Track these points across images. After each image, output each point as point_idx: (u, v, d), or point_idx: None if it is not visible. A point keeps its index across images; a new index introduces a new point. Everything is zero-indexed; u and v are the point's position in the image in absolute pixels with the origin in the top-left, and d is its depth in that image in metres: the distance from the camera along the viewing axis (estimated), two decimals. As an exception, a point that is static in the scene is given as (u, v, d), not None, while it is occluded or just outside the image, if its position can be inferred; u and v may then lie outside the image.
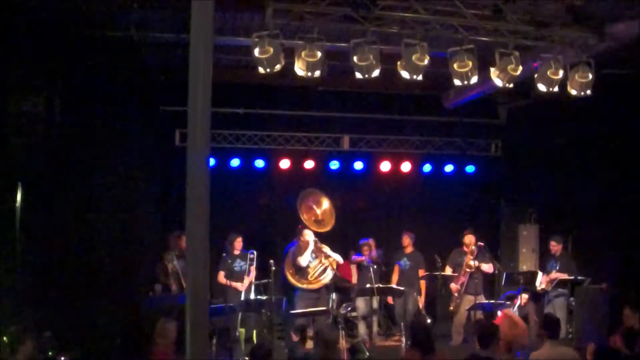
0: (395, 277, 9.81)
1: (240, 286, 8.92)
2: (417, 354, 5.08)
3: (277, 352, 8.21)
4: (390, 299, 9.82)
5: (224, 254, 9.01)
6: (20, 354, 5.33)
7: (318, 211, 9.65)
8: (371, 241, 9.71)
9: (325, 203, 9.72)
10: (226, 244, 9.11)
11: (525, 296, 9.16)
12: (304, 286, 8.99)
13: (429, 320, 9.78)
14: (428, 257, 9.79)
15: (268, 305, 8.48)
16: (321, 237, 9.35)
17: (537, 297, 9.54)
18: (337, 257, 9.12)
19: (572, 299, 9.00)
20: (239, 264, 9.06)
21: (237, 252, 9.10)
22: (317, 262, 9.06)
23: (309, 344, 7.74)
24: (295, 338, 7.83)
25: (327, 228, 9.53)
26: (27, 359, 5.36)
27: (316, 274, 9.04)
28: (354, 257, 9.81)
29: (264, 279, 8.93)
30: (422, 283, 9.81)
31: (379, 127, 11.14)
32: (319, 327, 8.52)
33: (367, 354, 6.93)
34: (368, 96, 10.50)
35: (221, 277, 8.96)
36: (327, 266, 9.04)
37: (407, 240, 9.85)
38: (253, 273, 9.01)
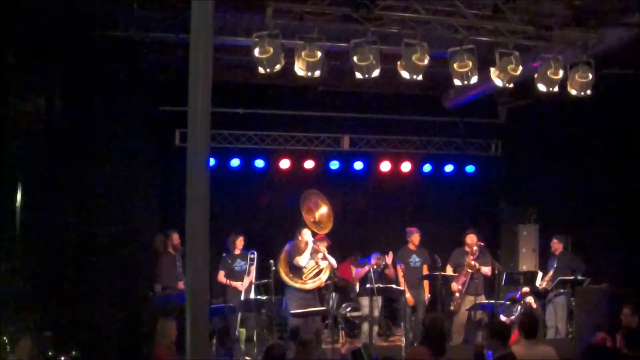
0: (401, 277, 9.70)
1: (240, 286, 8.92)
2: (427, 352, 5.02)
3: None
4: (410, 299, 9.65)
5: (224, 254, 9.01)
6: (16, 354, 5.32)
7: (316, 214, 9.65)
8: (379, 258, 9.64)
9: (324, 208, 9.70)
10: (228, 243, 9.13)
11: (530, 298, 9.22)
12: (297, 285, 8.95)
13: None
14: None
15: (268, 305, 8.48)
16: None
17: (539, 296, 9.55)
18: (332, 261, 9.07)
19: (572, 299, 9.00)
20: (239, 264, 9.07)
21: (237, 252, 9.11)
22: (313, 263, 9.04)
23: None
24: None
25: (325, 231, 9.52)
26: (24, 358, 5.35)
27: (310, 275, 9.02)
28: (358, 271, 9.75)
29: (264, 279, 8.94)
30: (425, 282, 9.81)
31: (379, 127, 11.14)
32: (313, 329, 8.54)
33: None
34: (368, 96, 10.49)
35: (221, 276, 8.97)
36: (322, 269, 9.01)
37: (417, 238, 9.80)
38: (253, 273, 9.01)
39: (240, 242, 9.13)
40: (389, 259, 9.50)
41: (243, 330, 8.98)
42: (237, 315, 8.76)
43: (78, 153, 7.61)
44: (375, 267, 9.27)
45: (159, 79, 9.21)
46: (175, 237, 8.84)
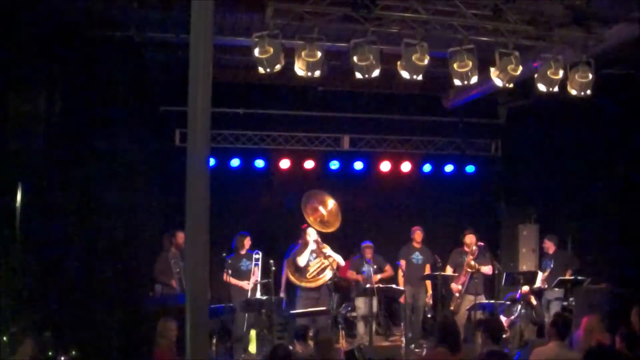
0: (401, 276, 9.73)
1: (247, 285, 8.98)
2: (446, 352, 5.06)
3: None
4: (402, 299, 9.71)
5: (224, 254, 9.03)
6: (20, 354, 5.33)
7: (324, 211, 9.65)
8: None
9: (331, 202, 9.70)
10: (235, 242, 9.19)
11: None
12: (303, 284, 9.01)
13: (429, 315, 9.82)
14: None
15: (268, 305, 8.50)
16: (322, 237, 9.35)
17: (537, 296, 9.57)
18: (338, 258, 9.12)
19: (572, 299, 9.00)
20: (245, 264, 9.14)
21: (243, 252, 9.18)
22: (316, 261, 9.07)
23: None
24: (298, 347, 7.78)
25: (333, 229, 9.53)
26: (27, 358, 5.37)
27: (315, 273, 9.05)
28: (350, 273, 9.79)
29: (265, 279, 8.97)
30: (427, 282, 9.83)
31: (379, 127, 11.15)
32: (318, 328, 8.54)
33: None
34: (368, 96, 10.50)
35: (226, 276, 9.03)
36: (327, 266, 9.05)
37: (420, 236, 9.83)
38: (259, 273, 9.04)
39: (247, 242, 9.25)
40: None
41: (254, 331, 8.99)
42: (244, 315, 8.79)
43: (78, 153, 7.61)
44: (374, 265, 9.28)
45: (159, 79, 9.21)
46: (180, 236, 8.88)
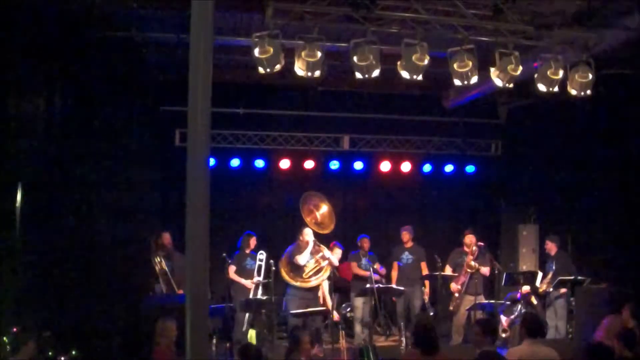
0: (394, 274, 9.81)
1: (250, 283, 9.02)
2: (417, 354, 5.07)
3: (278, 352, 8.21)
4: (394, 298, 9.80)
5: (224, 254, 9.05)
6: (22, 354, 5.34)
7: (317, 214, 9.68)
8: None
9: (324, 207, 9.73)
10: (241, 241, 9.26)
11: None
12: (298, 284, 9.00)
13: (431, 313, 9.83)
14: (428, 257, 9.82)
15: (268, 305, 8.51)
16: (321, 237, 9.35)
17: (539, 297, 9.56)
18: (333, 259, 9.12)
19: (572, 299, 9.00)
20: (250, 262, 9.18)
21: (248, 251, 9.22)
22: (313, 262, 9.08)
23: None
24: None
25: (327, 231, 9.57)
26: (29, 359, 5.37)
27: (311, 273, 9.06)
28: (352, 266, 9.83)
29: (265, 279, 8.99)
30: (426, 282, 9.84)
31: (379, 127, 11.15)
32: (316, 328, 8.55)
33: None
34: (368, 96, 10.50)
35: (232, 272, 9.06)
36: (323, 267, 9.05)
37: (407, 236, 9.89)
38: (262, 272, 9.07)
39: (253, 241, 9.32)
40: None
41: (254, 331, 9.00)
42: (244, 315, 8.80)
43: (78, 153, 7.62)
44: (374, 265, 9.29)
45: (159, 79, 9.22)
46: (165, 237, 8.95)
